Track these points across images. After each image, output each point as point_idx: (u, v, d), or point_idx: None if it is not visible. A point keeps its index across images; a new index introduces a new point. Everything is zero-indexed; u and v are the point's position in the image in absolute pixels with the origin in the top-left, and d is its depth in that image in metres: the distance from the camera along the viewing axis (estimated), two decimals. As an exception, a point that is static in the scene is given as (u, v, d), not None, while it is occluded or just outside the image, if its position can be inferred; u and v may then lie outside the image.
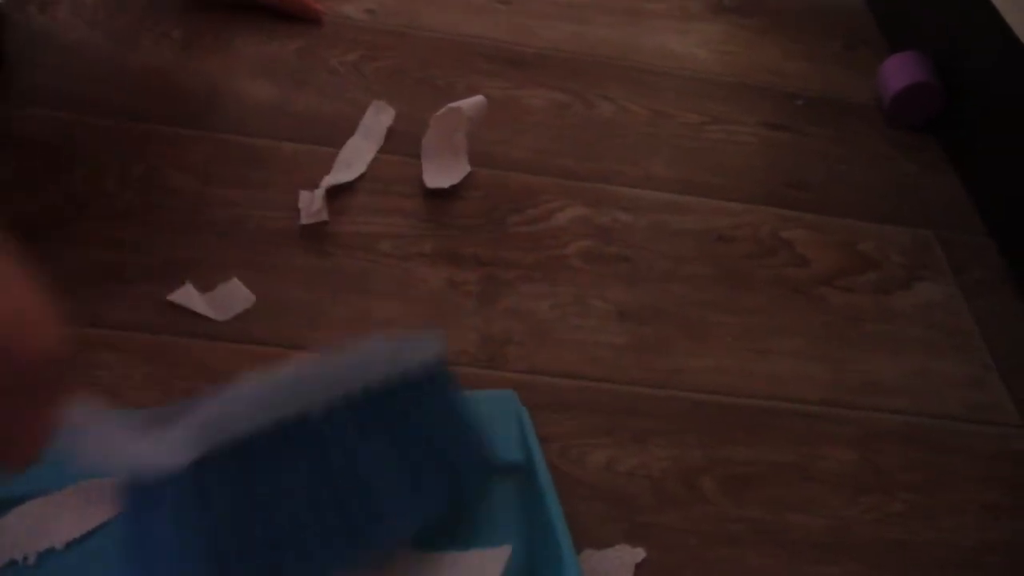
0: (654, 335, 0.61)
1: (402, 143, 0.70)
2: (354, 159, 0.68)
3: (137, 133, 0.66)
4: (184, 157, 0.65)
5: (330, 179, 0.65)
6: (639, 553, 0.49)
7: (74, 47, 0.72)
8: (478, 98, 0.68)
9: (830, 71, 0.89)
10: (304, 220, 0.62)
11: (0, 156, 0.62)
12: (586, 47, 0.85)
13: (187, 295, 0.56)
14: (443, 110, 0.67)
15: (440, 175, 0.67)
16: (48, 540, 0.45)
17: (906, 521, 0.53)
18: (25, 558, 0.44)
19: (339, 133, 0.70)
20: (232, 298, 0.56)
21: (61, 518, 0.45)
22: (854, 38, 0.94)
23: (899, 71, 0.82)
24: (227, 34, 0.76)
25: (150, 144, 0.66)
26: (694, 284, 0.65)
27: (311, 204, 0.63)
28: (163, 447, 0.36)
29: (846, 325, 0.64)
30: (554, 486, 0.48)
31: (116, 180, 0.63)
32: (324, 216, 0.62)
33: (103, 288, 0.57)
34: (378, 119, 0.71)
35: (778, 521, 0.52)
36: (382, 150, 0.69)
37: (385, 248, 0.63)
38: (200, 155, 0.66)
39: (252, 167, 0.66)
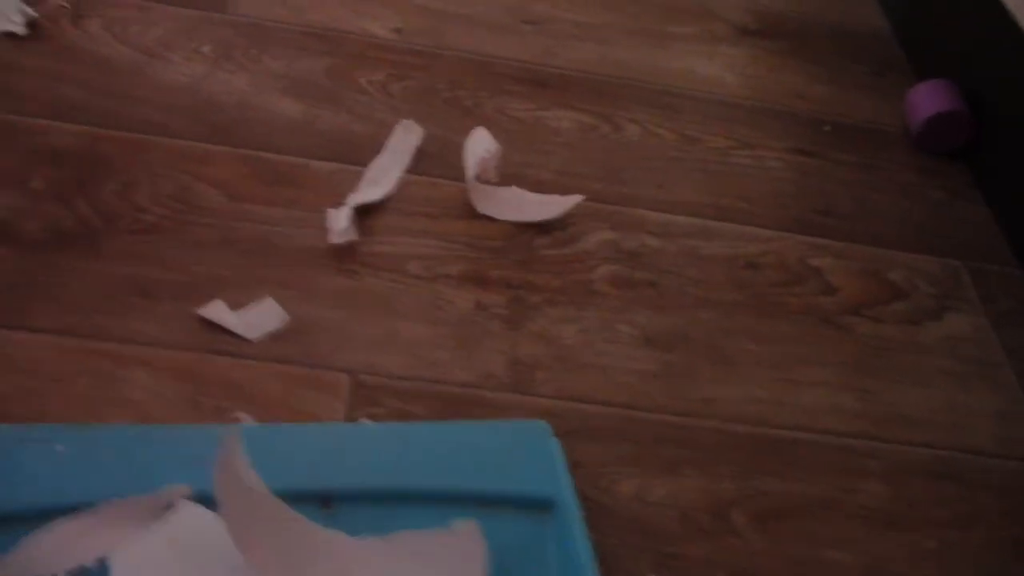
0: (682, 362, 0.61)
1: (430, 163, 0.70)
2: (381, 178, 0.68)
3: (167, 148, 0.66)
4: (213, 173, 0.65)
5: (357, 198, 0.65)
6: (668, 585, 0.49)
7: (106, 61, 0.72)
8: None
9: (857, 96, 0.89)
10: (333, 239, 0.62)
11: (33, 168, 0.63)
12: (612, 69, 0.84)
13: (218, 311, 0.56)
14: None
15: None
16: (78, 558, 0.44)
17: (939, 558, 0.53)
18: (54, 578, 0.43)
19: (367, 152, 0.70)
20: (264, 316, 0.56)
21: (91, 537, 0.45)
22: (880, 63, 0.94)
23: (929, 98, 0.82)
24: (256, 50, 0.76)
25: (180, 159, 0.66)
26: (722, 311, 0.65)
27: (339, 223, 0.62)
28: None
29: (875, 356, 0.64)
30: (585, 522, 0.48)
31: (146, 195, 0.63)
32: (353, 236, 0.62)
33: (133, 303, 0.56)
34: (406, 139, 0.71)
35: (811, 557, 0.52)
36: (410, 170, 0.69)
37: (413, 269, 0.62)
38: (229, 171, 0.66)
39: (280, 184, 0.66)
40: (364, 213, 0.65)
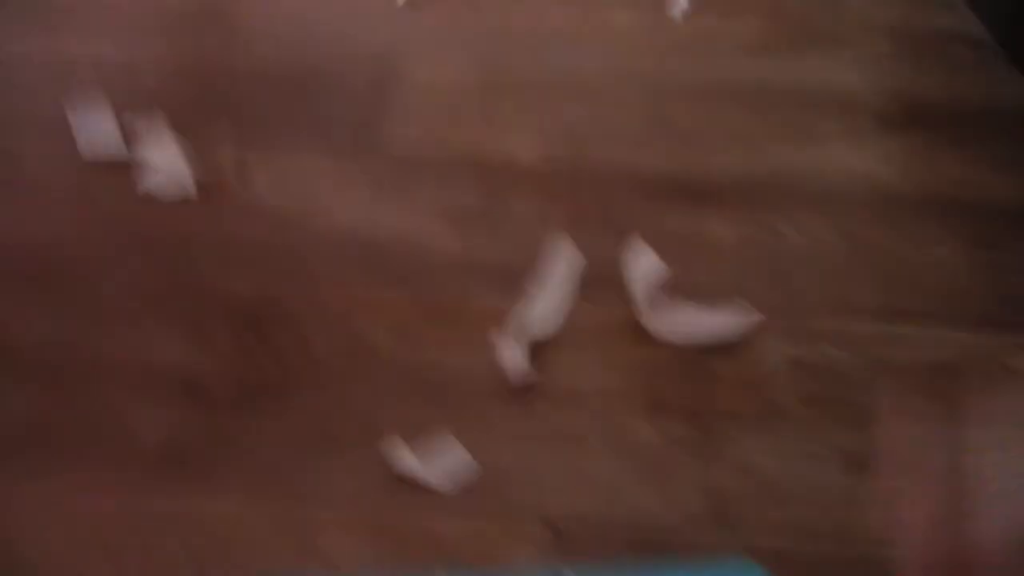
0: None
1: (592, 287, 0.69)
2: (547, 310, 0.67)
3: (337, 296, 0.67)
4: (382, 317, 0.66)
5: (530, 335, 0.64)
6: None
7: (272, 215, 0.74)
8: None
9: (1020, 179, 0.84)
10: (513, 380, 0.61)
11: (216, 326, 0.64)
12: (762, 173, 0.83)
13: (408, 462, 0.55)
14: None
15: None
16: None
17: None
18: None
19: (528, 279, 0.69)
20: (452, 465, 0.55)
21: None
22: (1040, 140, 0.89)
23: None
24: (410, 187, 0.78)
25: (350, 306, 0.67)
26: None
27: (516, 363, 0.61)
28: None
29: (1104, 465, 0.58)
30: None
31: (322, 345, 0.64)
32: (532, 374, 0.61)
33: (320, 458, 0.56)
34: (565, 265, 0.70)
35: None
36: (574, 296, 0.68)
37: (592, 403, 0.61)
38: (397, 314, 0.66)
39: (448, 323, 0.66)
40: (535, 347, 0.64)
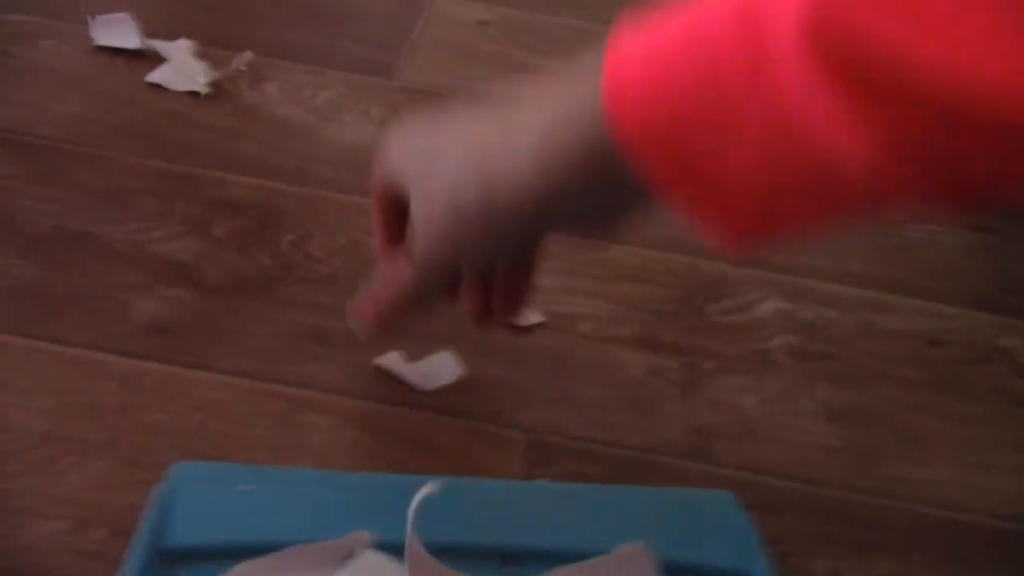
0: (868, 440, 0.57)
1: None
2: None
3: (339, 203, 0.68)
4: (384, 229, 0.66)
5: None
6: None
7: (281, 121, 0.74)
8: None
9: None
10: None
11: (214, 217, 0.64)
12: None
13: (394, 362, 0.55)
14: None
15: None
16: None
17: None
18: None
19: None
20: (439, 369, 0.55)
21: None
22: None
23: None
24: (419, 111, 0.77)
25: (352, 215, 0.67)
26: (906, 388, 0.61)
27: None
28: None
29: (1079, 443, 0.59)
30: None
31: (320, 247, 0.64)
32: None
33: (311, 350, 0.57)
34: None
35: (1031, 657, 0.47)
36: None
37: (583, 330, 0.61)
38: (400, 227, 0.66)
39: (450, 242, 0.66)
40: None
